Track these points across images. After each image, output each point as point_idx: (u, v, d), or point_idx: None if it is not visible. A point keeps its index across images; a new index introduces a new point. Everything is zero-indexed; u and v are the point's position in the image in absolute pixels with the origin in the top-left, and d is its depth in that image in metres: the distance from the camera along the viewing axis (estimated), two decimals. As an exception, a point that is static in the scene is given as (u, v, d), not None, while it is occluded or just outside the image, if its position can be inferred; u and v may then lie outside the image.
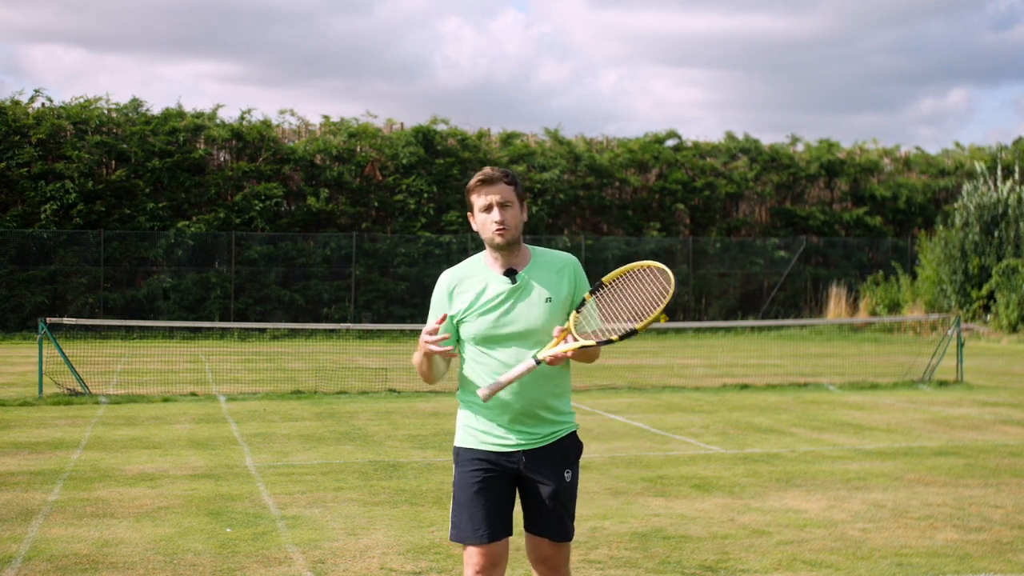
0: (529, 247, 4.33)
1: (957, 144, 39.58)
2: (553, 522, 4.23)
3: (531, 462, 4.22)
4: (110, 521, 7.48)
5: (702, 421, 12.84)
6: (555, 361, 4.05)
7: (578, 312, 4.16)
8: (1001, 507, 8.02)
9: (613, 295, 4.20)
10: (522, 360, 4.11)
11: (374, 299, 31.25)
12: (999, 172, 33.00)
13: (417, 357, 4.20)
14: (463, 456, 4.29)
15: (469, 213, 4.30)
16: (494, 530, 4.19)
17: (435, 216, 32.71)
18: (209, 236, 30.62)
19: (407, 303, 31.07)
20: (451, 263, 30.80)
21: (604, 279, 4.23)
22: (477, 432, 4.26)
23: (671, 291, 4.07)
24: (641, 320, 4.09)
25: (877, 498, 8.34)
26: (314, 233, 31.67)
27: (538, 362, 4.04)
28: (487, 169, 4.24)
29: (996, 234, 30.86)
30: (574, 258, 4.33)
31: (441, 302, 4.29)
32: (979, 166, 33.84)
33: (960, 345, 17.50)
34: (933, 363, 17.27)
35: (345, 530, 7.25)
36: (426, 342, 4.05)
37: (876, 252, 35.96)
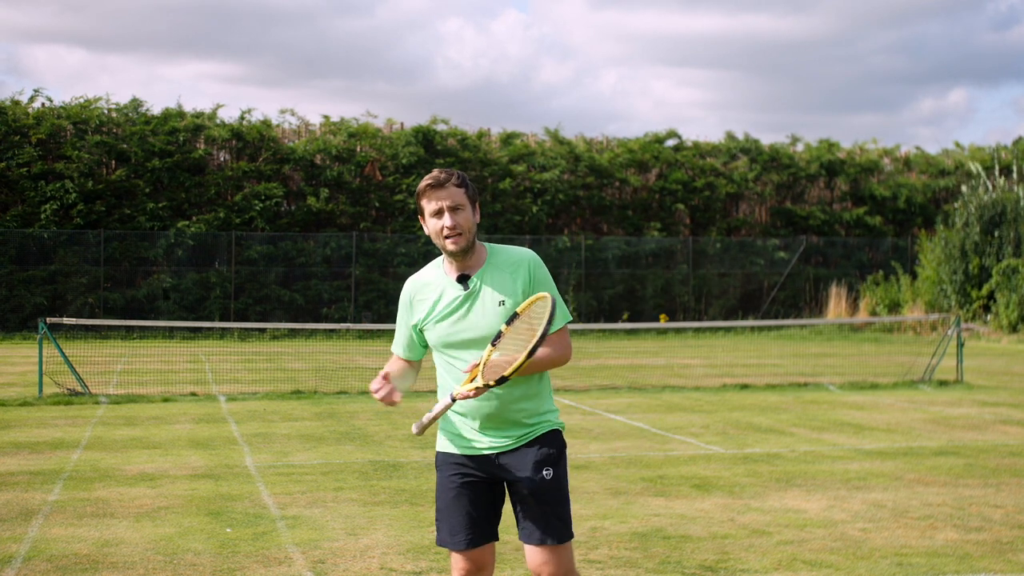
0: (487, 246, 4.22)
1: (957, 144, 39.61)
2: (539, 524, 4.09)
3: (506, 465, 4.14)
4: (110, 521, 7.48)
5: (702, 421, 12.84)
6: (465, 398, 3.98)
7: (493, 346, 4.00)
8: (1001, 507, 8.02)
9: (524, 325, 4.02)
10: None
11: (374, 299, 31.26)
12: (997, 172, 33.00)
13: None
14: (441, 460, 4.28)
15: (420, 218, 4.18)
16: (475, 536, 4.15)
17: (435, 216, 32.68)
18: (209, 236, 30.62)
19: (407, 303, 31.02)
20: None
21: (518, 309, 4.04)
22: (453, 436, 4.23)
23: (540, 332, 3.87)
24: (510, 367, 3.92)
25: (877, 498, 8.34)
26: (314, 233, 31.67)
27: (453, 399, 4.00)
28: (435, 172, 4.10)
29: (996, 234, 30.85)
30: (531, 255, 4.18)
31: (404, 310, 4.30)
32: (975, 167, 33.79)
33: (960, 345, 17.50)
34: (933, 363, 17.27)
35: (345, 530, 7.25)
36: (377, 396, 4.12)
37: (876, 252, 35.97)
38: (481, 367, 3.98)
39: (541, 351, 4.03)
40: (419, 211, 4.18)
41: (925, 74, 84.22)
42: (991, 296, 30.44)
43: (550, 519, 4.10)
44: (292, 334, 27.54)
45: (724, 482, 8.97)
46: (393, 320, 31.30)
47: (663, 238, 34.37)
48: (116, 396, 14.79)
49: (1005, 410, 14.01)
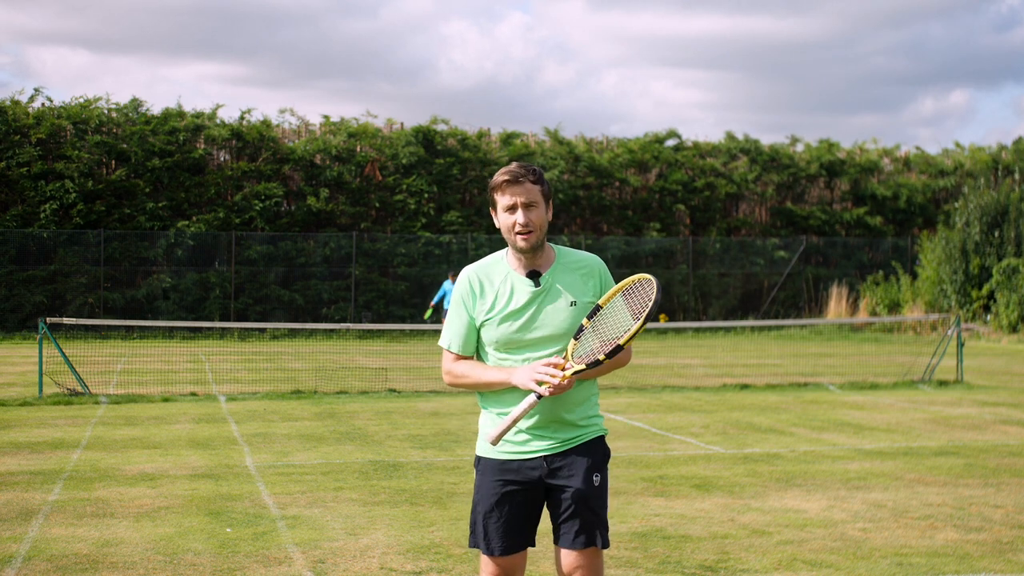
0: (553, 247, 4.15)
1: (957, 144, 39.61)
2: (584, 529, 4.01)
3: (554, 467, 4.05)
4: (110, 521, 7.48)
5: (702, 421, 12.84)
6: (555, 392, 3.88)
7: (576, 339, 3.98)
8: (1001, 507, 8.02)
9: (609, 315, 4.02)
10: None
11: (374, 299, 31.25)
12: (999, 172, 32.99)
13: (495, 377, 4.04)
14: (484, 465, 4.13)
15: (492, 211, 4.09)
16: (512, 542, 4.06)
17: (435, 216, 32.71)
18: (209, 236, 30.62)
19: (407, 303, 31.08)
20: (451, 263, 31.09)
21: (600, 302, 4.03)
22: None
23: (653, 299, 3.90)
24: (625, 335, 3.92)
25: (877, 498, 8.34)
26: (314, 233, 31.67)
27: (539, 396, 3.90)
28: (513, 166, 4.03)
29: (997, 234, 30.85)
30: (599, 259, 4.17)
31: (465, 301, 4.11)
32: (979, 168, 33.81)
33: (960, 345, 17.50)
34: (933, 363, 17.26)
35: (345, 530, 7.25)
36: (546, 374, 3.88)
37: (876, 252, 35.96)
38: (570, 356, 3.95)
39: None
40: (491, 204, 4.09)
41: (925, 75, 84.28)
42: (991, 296, 30.43)
43: (594, 524, 4.03)
44: (292, 334, 27.53)
45: (724, 482, 8.97)
46: (392, 319, 31.51)
47: (663, 238, 34.37)
48: (116, 396, 14.79)
49: (1005, 410, 14.00)
